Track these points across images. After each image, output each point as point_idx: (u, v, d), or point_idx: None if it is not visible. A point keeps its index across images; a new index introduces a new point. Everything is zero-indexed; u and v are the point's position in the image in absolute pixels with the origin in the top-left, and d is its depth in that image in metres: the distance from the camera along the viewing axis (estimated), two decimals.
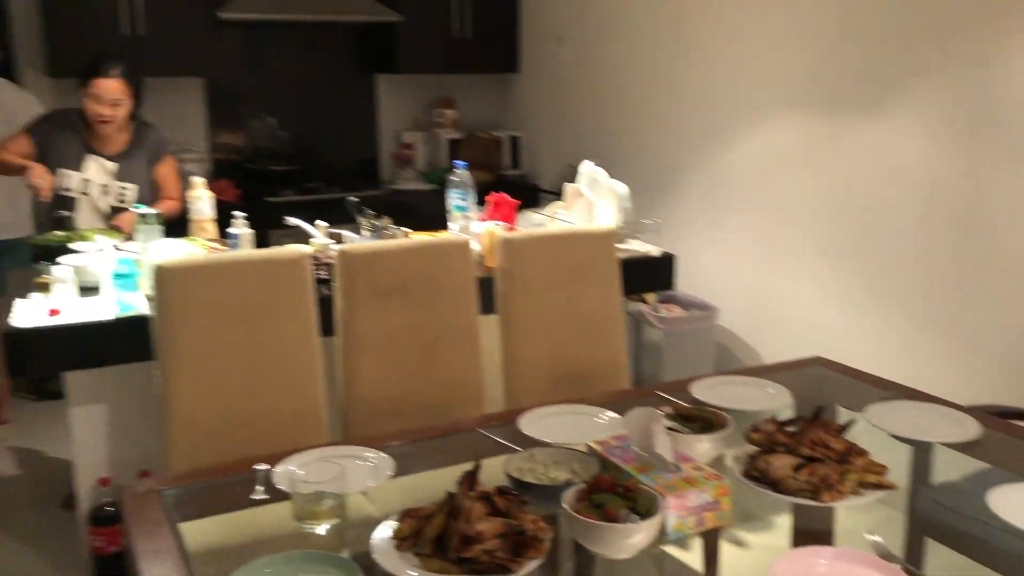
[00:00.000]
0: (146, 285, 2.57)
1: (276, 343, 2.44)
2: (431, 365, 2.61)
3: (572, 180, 5.08)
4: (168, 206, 3.48)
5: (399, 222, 3.23)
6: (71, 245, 2.99)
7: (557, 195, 4.88)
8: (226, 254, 2.57)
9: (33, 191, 3.23)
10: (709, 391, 2.25)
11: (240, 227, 2.85)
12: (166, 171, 3.53)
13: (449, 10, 5.20)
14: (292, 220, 3.18)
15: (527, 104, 5.50)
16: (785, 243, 3.69)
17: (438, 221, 3.50)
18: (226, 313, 2.39)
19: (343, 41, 5.37)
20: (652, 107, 4.43)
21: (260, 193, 4.84)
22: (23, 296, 2.70)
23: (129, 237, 3.18)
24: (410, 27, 5.10)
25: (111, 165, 3.38)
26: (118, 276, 2.50)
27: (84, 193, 3.32)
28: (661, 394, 2.26)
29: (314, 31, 5.27)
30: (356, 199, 3.14)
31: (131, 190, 3.35)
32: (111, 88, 3.29)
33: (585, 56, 4.92)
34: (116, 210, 3.37)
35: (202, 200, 3.21)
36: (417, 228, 3.29)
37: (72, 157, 3.36)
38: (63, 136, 3.39)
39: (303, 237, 2.99)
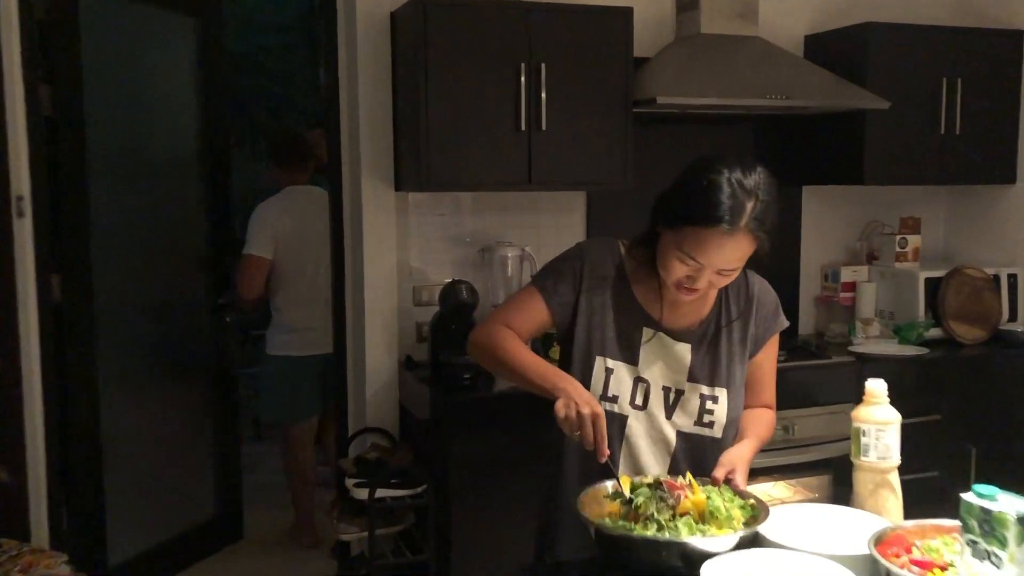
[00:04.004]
0: None
1: None
2: None
3: None
4: (764, 427, 1.89)
5: None
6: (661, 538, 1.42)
7: None
8: None
9: (574, 435, 1.63)
10: None
11: None
12: (769, 361, 1.94)
13: (937, 99, 3.61)
14: None
15: None
16: None
17: None
18: None
19: (765, 139, 3.83)
20: None
21: None
22: None
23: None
24: (884, 121, 3.52)
25: (683, 351, 1.83)
26: None
27: (639, 407, 1.77)
28: None
29: (724, 125, 3.76)
30: None
31: (722, 403, 1.78)
32: (729, 256, 1.65)
33: None
34: (686, 437, 1.80)
35: (890, 432, 1.60)
36: None
37: (617, 334, 1.81)
38: (603, 297, 1.82)
39: None
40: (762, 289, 1.89)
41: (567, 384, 1.67)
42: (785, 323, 1.91)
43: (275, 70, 7.02)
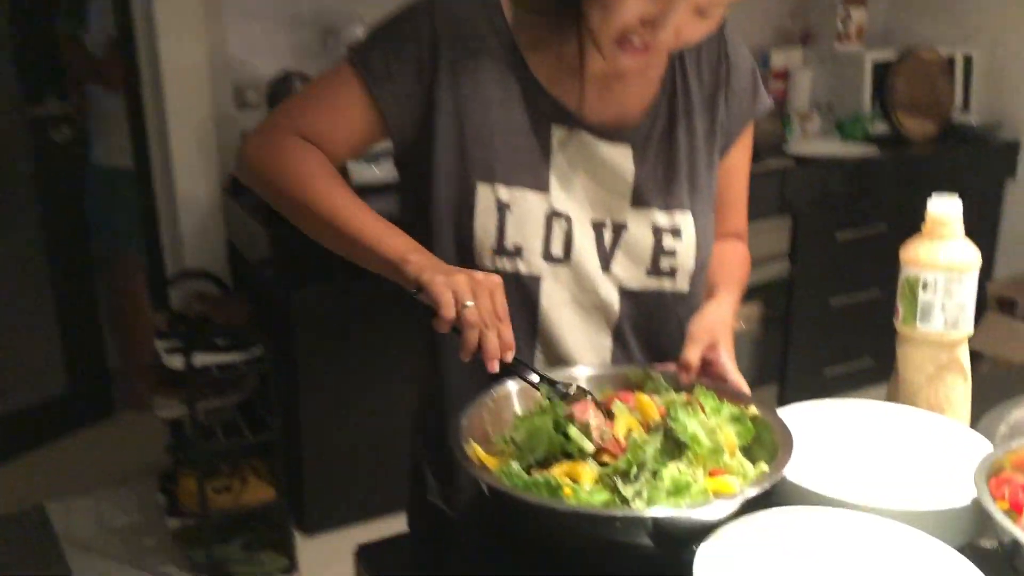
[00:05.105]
0: None
1: None
2: None
3: None
4: (741, 269, 1.24)
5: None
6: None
7: None
8: None
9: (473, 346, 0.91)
10: None
11: None
12: (743, 164, 1.25)
13: None
14: None
15: (989, 5, 3.18)
16: None
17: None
18: None
19: None
20: None
21: None
22: None
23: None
24: None
25: (620, 159, 1.10)
26: None
27: (558, 259, 1.07)
28: None
29: None
30: None
31: (687, 236, 1.10)
32: None
33: None
34: (636, 297, 1.10)
35: (966, 282, 0.97)
36: None
37: (510, 142, 1.07)
38: (476, 79, 1.05)
39: None
40: (736, 47, 1.18)
41: (429, 258, 0.97)
42: (768, 103, 1.22)
43: None
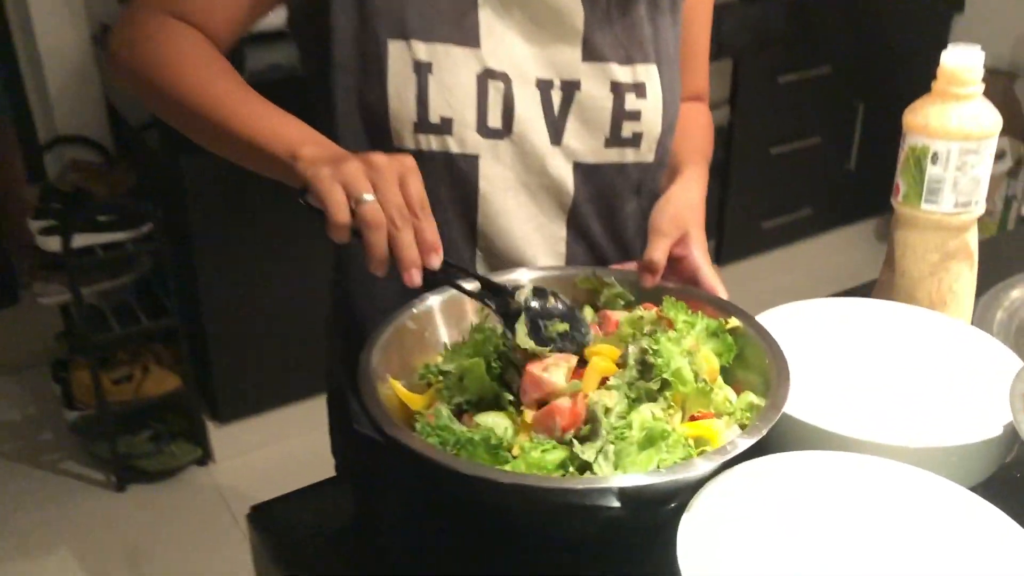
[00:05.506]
0: None
1: None
2: None
3: None
4: (707, 139, 1.03)
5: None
6: None
7: None
8: None
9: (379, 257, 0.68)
10: None
11: None
12: (704, 7, 1.01)
13: None
14: None
15: None
16: None
17: None
18: None
19: None
20: None
21: None
22: None
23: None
24: None
25: (570, 6, 0.87)
26: None
27: (496, 132, 0.84)
28: None
29: None
30: None
31: (653, 95, 0.88)
32: None
33: None
34: (594, 173, 0.88)
35: (984, 152, 0.79)
36: None
37: None
38: None
39: None
40: None
41: (325, 149, 0.74)
42: None
43: None
